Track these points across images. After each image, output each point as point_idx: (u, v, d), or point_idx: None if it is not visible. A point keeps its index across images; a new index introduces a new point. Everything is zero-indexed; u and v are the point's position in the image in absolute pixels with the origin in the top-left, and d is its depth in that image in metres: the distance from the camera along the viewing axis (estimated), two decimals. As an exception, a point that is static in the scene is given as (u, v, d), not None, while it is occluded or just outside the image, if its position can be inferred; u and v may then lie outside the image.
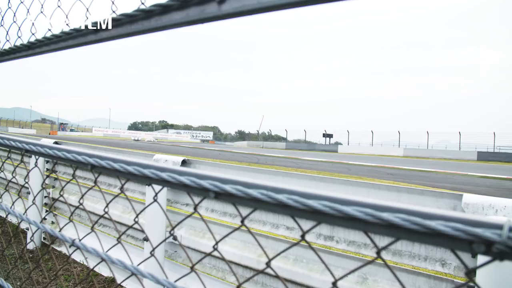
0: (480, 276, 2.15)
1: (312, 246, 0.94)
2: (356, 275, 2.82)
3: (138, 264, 1.29)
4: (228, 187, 0.95)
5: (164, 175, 1.13)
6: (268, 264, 1.00)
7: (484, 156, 49.13)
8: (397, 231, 0.73)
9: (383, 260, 0.82)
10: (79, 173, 5.81)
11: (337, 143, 71.02)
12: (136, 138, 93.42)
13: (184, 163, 4.05)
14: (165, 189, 3.63)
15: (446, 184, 18.50)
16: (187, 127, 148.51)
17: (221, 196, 0.98)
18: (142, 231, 4.18)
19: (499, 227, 0.64)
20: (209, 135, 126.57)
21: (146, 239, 3.82)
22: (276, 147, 71.96)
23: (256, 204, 0.91)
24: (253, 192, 0.89)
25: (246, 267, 3.40)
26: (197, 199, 3.40)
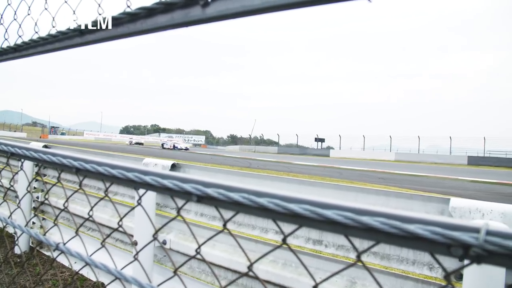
0: (467, 280, 2.16)
1: (293, 249, 0.94)
2: (345, 279, 2.82)
3: (122, 268, 1.28)
4: (210, 191, 0.95)
5: (147, 178, 1.12)
6: (250, 268, 0.99)
7: (474, 161, 49.48)
8: (376, 235, 0.73)
9: (362, 263, 0.82)
10: (70, 177, 5.77)
11: (329, 148, 71.24)
12: (138, 141, 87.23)
13: (173, 167, 4.04)
14: (154, 193, 3.62)
15: (436, 188, 18.61)
16: (179, 131, 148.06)
17: (204, 199, 0.98)
18: (131, 235, 4.17)
19: (476, 230, 0.64)
20: (201, 139, 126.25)
21: (135, 243, 3.80)
22: (268, 152, 72.08)
23: (238, 207, 0.91)
24: (235, 196, 0.89)
25: (235, 271, 3.39)
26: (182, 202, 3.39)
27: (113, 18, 1.33)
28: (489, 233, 0.64)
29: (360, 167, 32.63)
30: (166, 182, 1.06)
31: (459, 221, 0.67)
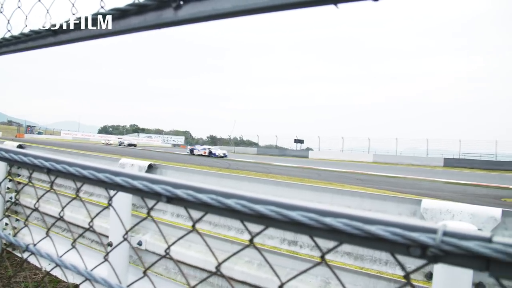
0: (437, 279, 2.21)
1: (259, 249, 0.95)
2: (320, 279, 2.85)
3: (92, 269, 1.27)
4: (179, 192, 0.95)
5: (118, 179, 1.12)
6: (217, 268, 1.00)
7: (450, 163, 50.33)
8: (340, 236, 0.74)
9: (326, 263, 0.84)
10: (45, 177, 5.68)
11: (308, 149, 71.55)
12: (131, 143, 79.11)
13: (150, 167, 4.01)
14: (129, 194, 3.60)
15: (413, 189, 18.88)
16: (158, 131, 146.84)
17: (173, 200, 0.98)
18: (107, 236, 4.13)
19: (434, 231, 0.66)
20: (181, 139, 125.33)
21: (109, 244, 3.77)
22: (247, 152, 72.08)
23: (207, 208, 0.91)
24: (203, 197, 0.90)
25: (210, 271, 3.39)
26: (158, 204, 3.38)
27: (87, 19, 1.33)
28: (446, 234, 0.66)
29: (339, 169, 32.90)
30: (136, 183, 1.06)
31: (418, 222, 0.69)
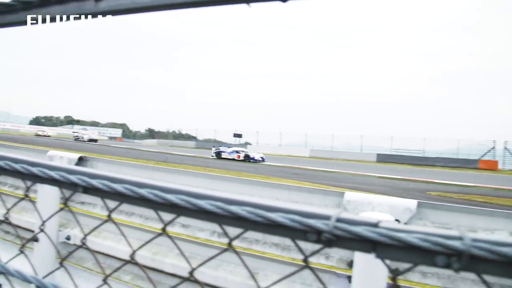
0: (357, 266, 2.33)
1: (171, 236, 0.98)
2: (247, 271, 2.90)
3: (6, 262, 1.25)
4: (95, 182, 0.96)
5: (35, 170, 1.11)
6: (132, 256, 1.02)
7: (382, 158, 52.49)
8: (245, 223, 0.79)
9: (233, 249, 0.88)
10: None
11: (246, 143, 71.91)
12: (91, 138, 66.94)
13: (81, 160, 3.92)
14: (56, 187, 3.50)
15: (348, 184, 19.54)
16: (94, 123, 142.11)
17: (89, 190, 0.99)
18: (32, 231, 4.00)
19: (328, 218, 0.72)
20: (118, 132, 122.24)
21: (35, 239, 3.64)
22: (186, 146, 71.52)
23: (122, 198, 0.93)
24: (118, 187, 0.91)
25: (125, 260, 3.36)
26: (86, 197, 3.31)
27: (4, 5, 1.29)
28: (339, 220, 0.72)
29: (276, 163, 33.39)
30: (53, 174, 1.06)
31: (315, 210, 0.75)
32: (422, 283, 2.49)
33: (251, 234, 2.91)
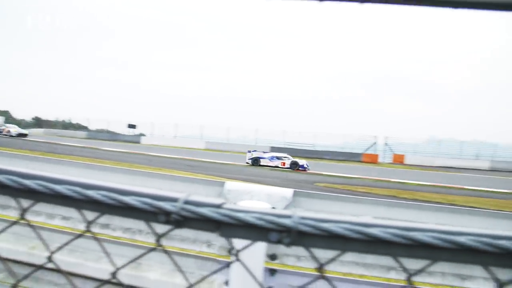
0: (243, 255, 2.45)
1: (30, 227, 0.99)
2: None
3: None
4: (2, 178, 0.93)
5: None
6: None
7: (276, 151, 53.96)
8: (100, 207, 0.83)
9: (95, 237, 0.92)
10: None
11: (141, 134, 70.14)
12: (21, 132, 52.11)
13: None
14: None
15: (241, 175, 19.95)
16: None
17: None
18: None
19: (176, 200, 0.80)
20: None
21: None
22: (76, 136, 67.91)
23: (35, 196, 0.90)
24: (31, 184, 0.89)
25: (20, 262, 3.19)
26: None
27: None
28: (187, 202, 0.80)
29: (171, 155, 33.04)
30: None
31: (165, 193, 0.82)
32: (297, 266, 2.68)
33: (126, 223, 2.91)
